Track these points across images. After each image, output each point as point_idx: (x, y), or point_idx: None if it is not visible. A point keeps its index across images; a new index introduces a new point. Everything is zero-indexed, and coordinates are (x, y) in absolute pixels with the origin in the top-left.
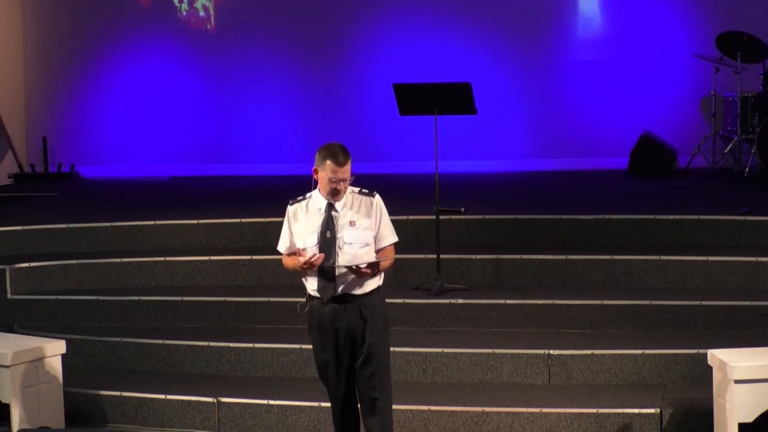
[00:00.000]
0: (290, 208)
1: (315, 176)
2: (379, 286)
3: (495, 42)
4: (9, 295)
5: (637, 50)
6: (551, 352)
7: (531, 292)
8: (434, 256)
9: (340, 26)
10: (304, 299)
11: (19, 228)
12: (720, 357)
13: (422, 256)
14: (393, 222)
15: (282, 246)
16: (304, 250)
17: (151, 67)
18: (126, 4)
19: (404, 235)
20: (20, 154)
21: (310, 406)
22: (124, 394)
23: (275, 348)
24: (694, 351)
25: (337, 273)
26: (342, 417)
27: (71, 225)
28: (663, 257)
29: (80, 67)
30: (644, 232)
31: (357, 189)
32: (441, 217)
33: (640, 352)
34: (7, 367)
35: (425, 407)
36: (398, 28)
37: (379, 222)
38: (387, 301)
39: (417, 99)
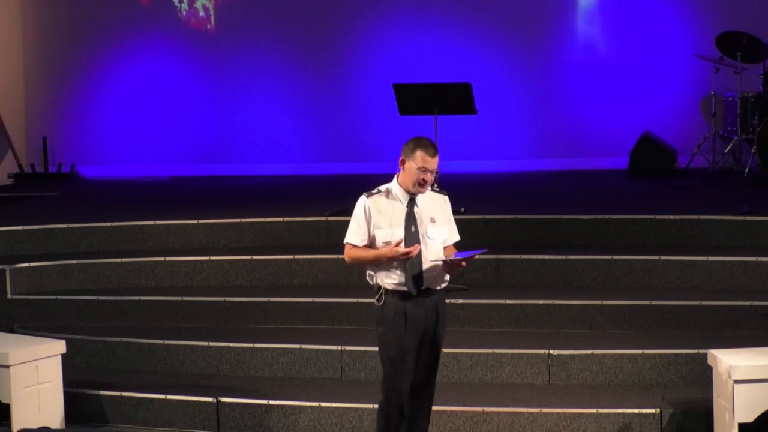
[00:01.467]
0: (367, 201)
1: (402, 167)
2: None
3: (495, 42)
4: (9, 295)
5: (637, 50)
6: (551, 352)
7: (531, 292)
8: None
9: (340, 26)
10: (377, 293)
11: (19, 228)
12: (720, 357)
13: None
14: None
15: (355, 238)
16: (388, 243)
17: (151, 67)
18: (126, 4)
19: None
20: (20, 154)
21: (310, 406)
22: (124, 394)
23: (275, 348)
24: (694, 351)
25: (424, 266)
26: (399, 411)
27: (71, 225)
28: (663, 257)
29: (80, 67)
30: (644, 232)
31: (430, 186)
32: None
33: (640, 352)
34: (7, 367)
35: None
36: (398, 27)
37: (450, 219)
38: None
39: (417, 99)
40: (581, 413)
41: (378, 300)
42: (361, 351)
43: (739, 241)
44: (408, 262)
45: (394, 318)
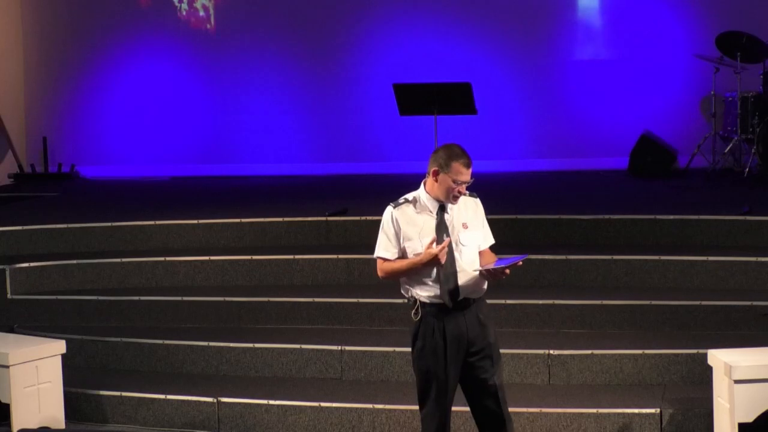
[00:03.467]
0: (394, 212)
1: (434, 178)
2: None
3: (495, 42)
4: (9, 295)
5: (637, 50)
6: (551, 352)
7: (531, 292)
8: None
9: (341, 26)
10: (413, 307)
11: (19, 228)
12: (720, 357)
13: None
14: None
15: (386, 252)
16: (419, 255)
17: (151, 67)
18: (126, 4)
19: None
20: (20, 154)
21: (310, 406)
22: (124, 394)
23: (275, 348)
24: (694, 351)
25: (460, 277)
26: (440, 426)
27: (71, 225)
28: (663, 257)
29: (80, 67)
30: (644, 232)
31: None
32: None
33: (640, 352)
34: (7, 367)
35: None
36: (398, 27)
37: (483, 222)
38: (386, 301)
39: (417, 99)
40: (581, 413)
41: (414, 314)
42: (361, 351)
43: (739, 241)
44: (442, 273)
45: (430, 333)
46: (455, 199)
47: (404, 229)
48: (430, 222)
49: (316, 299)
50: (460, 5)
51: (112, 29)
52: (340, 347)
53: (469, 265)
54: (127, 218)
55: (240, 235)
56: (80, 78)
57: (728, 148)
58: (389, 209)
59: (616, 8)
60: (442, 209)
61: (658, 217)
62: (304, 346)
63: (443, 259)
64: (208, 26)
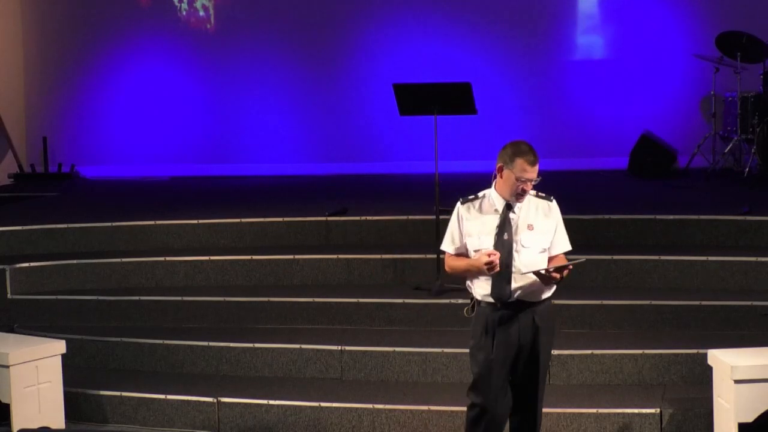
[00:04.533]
0: (461, 207)
1: (499, 174)
2: (551, 294)
3: (495, 42)
4: (9, 295)
5: (637, 50)
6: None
7: None
8: (434, 256)
9: (341, 26)
10: (469, 303)
11: (19, 228)
12: (720, 357)
13: (422, 256)
14: (393, 221)
15: (449, 246)
16: (478, 251)
17: (151, 67)
18: (126, 4)
19: (404, 235)
20: (20, 154)
21: (310, 406)
22: (124, 394)
23: (275, 348)
24: (694, 351)
25: (514, 283)
26: (487, 419)
27: (71, 225)
28: (663, 257)
29: (80, 67)
30: (644, 232)
31: (534, 192)
32: (441, 217)
33: (640, 352)
34: (7, 367)
35: (425, 407)
36: (399, 27)
37: (556, 227)
38: (386, 301)
39: (417, 99)
40: (581, 413)
41: (469, 311)
42: (361, 351)
43: (739, 241)
44: (497, 272)
45: (482, 330)
46: (520, 197)
47: (466, 225)
48: (494, 220)
49: (316, 299)
50: (460, 5)
51: (113, 29)
52: (340, 347)
53: (526, 268)
54: (127, 218)
55: (240, 235)
56: (80, 78)
57: (728, 148)
58: (457, 204)
59: (616, 8)
60: (508, 208)
61: (658, 217)
62: (304, 346)
63: (497, 268)
64: (208, 26)
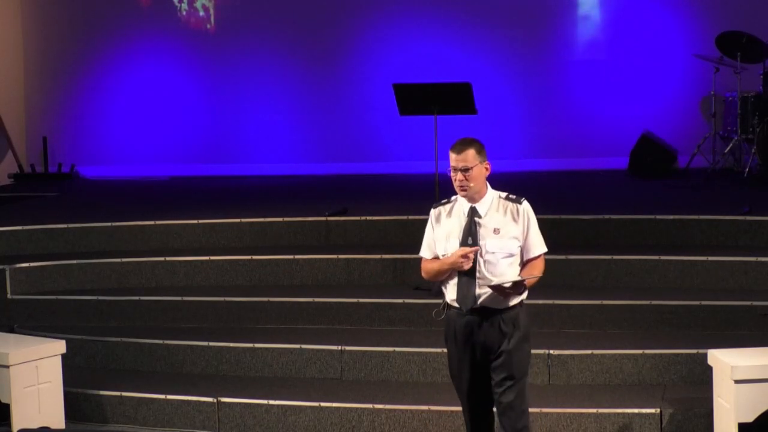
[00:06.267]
0: (433, 212)
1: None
2: (522, 300)
3: (495, 42)
4: (9, 295)
5: (637, 50)
6: (551, 352)
7: (531, 291)
8: None
9: (341, 26)
10: (441, 304)
11: (19, 228)
12: (720, 357)
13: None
14: (393, 222)
15: (426, 251)
16: (444, 256)
17: (151, 67)
18: (126, 4)
19: (404, 235)
20: (20, 154)
21: (310, 406)
22: (124, 394)
23: (275, 348)
24: (694, 351)
25: (478, 289)
26: (472, 421)
27: (71, 225)
28: (663, 257)
29: (80, 67)
30: (644, 232)
31: (504, 194)
32: None
33: (640, 352)
34: (7, 367)
35: (425, 407)
36: (399, 28)
37: (527, 230)
38: (386, 301)
39: (417, 99)
40: (581, 413)
41: (439, 312)
42: (361, 351)
43: (739, 241)
44: (464, 278)
45: (454, 335)
46: (461, 189)
47: (436, 230)
48: (461, 225)
49: (316, 299)
50: (460, 5)
51: (113, 29)
52: (340, 347)
53: (491, 274)
54: (127, 218)
55: (240, 235)
56: (80, 78)
57: (728, 148)
58: (431, 209)
59: (616, 8)
60: (473, 212)
61: (658, 217)
62: (304, 346)
63: (467, 266)
64: (208, 26)
